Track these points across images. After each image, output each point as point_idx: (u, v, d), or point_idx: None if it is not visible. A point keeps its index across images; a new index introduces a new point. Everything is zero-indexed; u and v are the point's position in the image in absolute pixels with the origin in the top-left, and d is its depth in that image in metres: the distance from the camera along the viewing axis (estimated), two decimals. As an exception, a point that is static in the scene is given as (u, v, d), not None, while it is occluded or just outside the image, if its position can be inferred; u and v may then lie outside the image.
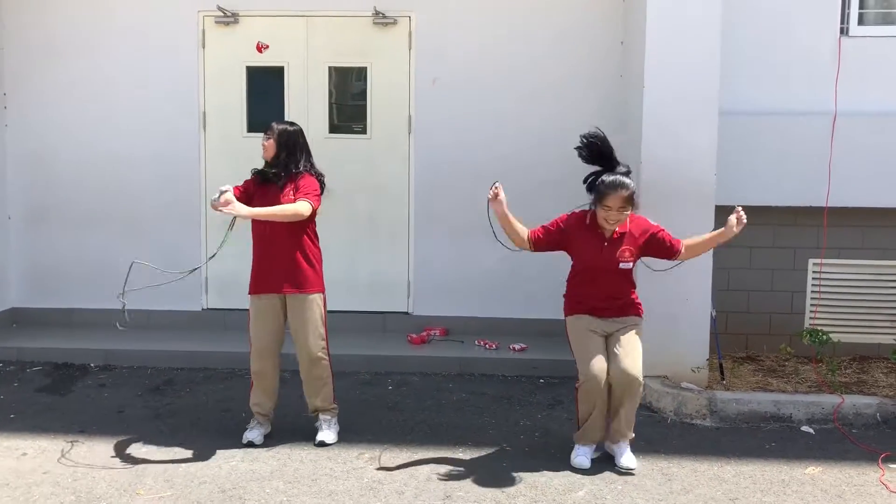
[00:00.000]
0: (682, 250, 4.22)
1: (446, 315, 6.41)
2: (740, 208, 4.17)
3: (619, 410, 4.16)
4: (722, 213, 5.39)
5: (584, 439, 4.21)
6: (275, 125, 4.49)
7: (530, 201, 6.28)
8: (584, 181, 4.22)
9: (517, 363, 5.77)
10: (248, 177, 4.56)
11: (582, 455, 4.17)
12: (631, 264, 4.15)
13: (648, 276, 5.07)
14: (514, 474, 4.05)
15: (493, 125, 6.31)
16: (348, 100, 6.57)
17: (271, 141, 4.44)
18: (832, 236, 5.85)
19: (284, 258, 4.35)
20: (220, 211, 4.14)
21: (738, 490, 3.91)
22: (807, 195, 5.77)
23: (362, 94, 6.43)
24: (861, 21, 5.85)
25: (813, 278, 5.98)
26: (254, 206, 4.31)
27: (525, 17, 6.24)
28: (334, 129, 6.47)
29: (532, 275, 6.21)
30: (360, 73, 6.44)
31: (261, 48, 6.39)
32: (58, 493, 3.79)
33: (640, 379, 4.10)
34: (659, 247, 4.20)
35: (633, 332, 4.18)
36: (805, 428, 4.76)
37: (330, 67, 6.40)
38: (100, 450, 4.31)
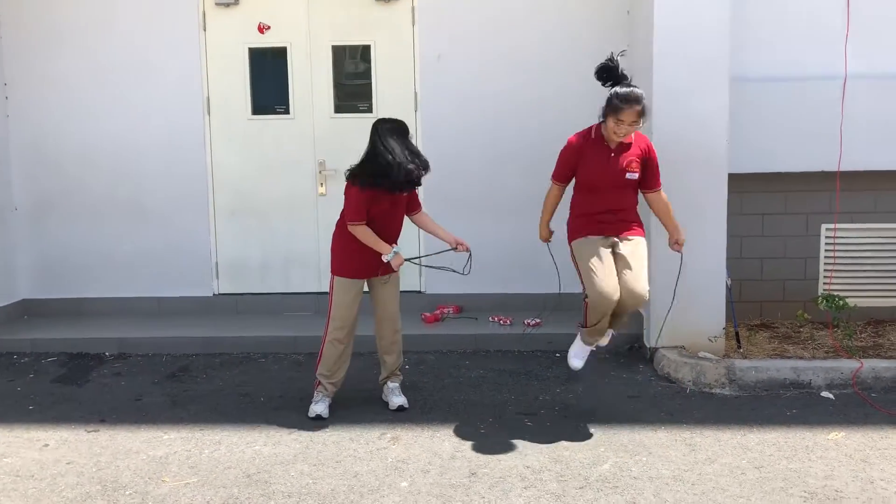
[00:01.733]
0: (658, 194, 4.40)
1: (459, 292, 6.39)
2: (680, 244, 4.47)
3: (621, 315, 4.37)
4: (733, 180, 5.38)
5: (589, 341, 4.48)
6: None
7: (539, 174, 6.24)
8: (597, 75, 4.31)
9: (532, 338, 5.76)
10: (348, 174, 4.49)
11: (578, 358, 4.56)
12: (636, 175, 4.26)
13: (664, 245, 5.05)
14: (538, 449, 4.05)
15: (500, 99, 6.25)
16: (353, 78, 6.50)
17: None
18: (844, 201, 5.82)
19: (398, 235, 4.57)
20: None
21: (762, 458, 3.91)
22: (818, 160, 5.72)
23: (366, 73, 6.36)
24: (870, -20, 5.76)
25: (826, 243, 5.96)
26: (379, 208, 4.36)
27: (530, -10, 6.17)
28: (339, 108, 6.40)
29: (543, 248, 6.16)
30: (364, 52, 6.36)
31: (262, 29, 6.31)
32: (83, 483, 3.79)
33: (646, 295, 4.26)
34: (648, 171, 4.33)
35: (641, 248, 4.30)
36: (825, 393, 4.75)
37: (333, 46, 6.33)
38: (121, 438, 4.30)
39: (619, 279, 4.22)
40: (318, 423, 4.44)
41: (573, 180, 4.43)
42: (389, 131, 4.39)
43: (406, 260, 4.55)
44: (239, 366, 5.53)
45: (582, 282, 4.34)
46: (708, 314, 5.23)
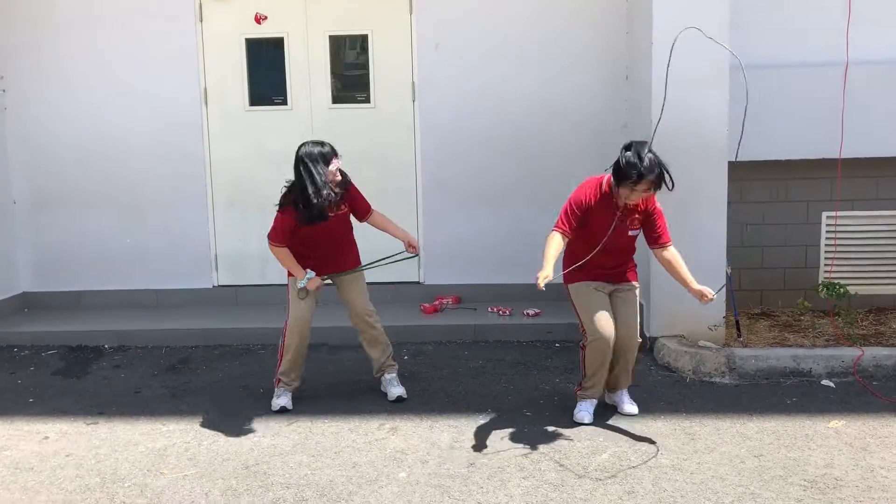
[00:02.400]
0: (667, 250, 4.16)
1: (458, 283, 6.38)
2: (712, 296, 4.08)
3: (617, 366, 4.29)
4: (733, 169, 5.34)
5: (589, 395, 4.30)
6: (331, 145, 4.35)
7: (537, 164, 6.25)
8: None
9: (532, 328, 5.75)
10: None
11: (585, 411, 4.27)
12: (639, 231, 4.19)
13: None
14: (537, 439, 4.04)
15: (498, 88, 6.22)
16: (350, 69, 6.47)
17: (339, 162, 4.36)
18: (846, 188, 5.78)
19: (343, 248, 4.56)
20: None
21: (762, 446, 3.90)
22: (819, 147, 5.68)
23: (364, 63, 6.33)
24: (871, -34, 5.71)
25: (827, 231, 5.93)
26: (308, 233, 4.34)
27: (527, -23, 6.13)
28: (337, 99, 6.38)
29: (542, 239, 6.14)
30: (362, 41, 6.33)
31: (259, 19, 6.28)
32: (82, 475, 3.79)
33: (639, 341, 4.27)
34: (652, 227, 4.16)
35: (633, 295, 4.27)
36: (825, 382, 4.74)
37: (330, 36, 6.30)
38: (120, 430, 4.31)
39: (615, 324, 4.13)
40: (317, 414, 4.43)
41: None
42: (309, 159, 4.25)
43: (347, 273, 4.53)
44: (239, 358, 5.52)
45: (580, 323, 4.22)
46: (708, 303, 5.19)
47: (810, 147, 5.69)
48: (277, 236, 4.36)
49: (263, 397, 4.67)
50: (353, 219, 4.62)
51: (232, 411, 4.53)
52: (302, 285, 4.39)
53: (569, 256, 4.24)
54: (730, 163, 5.25)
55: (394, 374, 4.69)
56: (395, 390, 4.61)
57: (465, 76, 6.22)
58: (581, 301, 4.22)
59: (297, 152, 4.31)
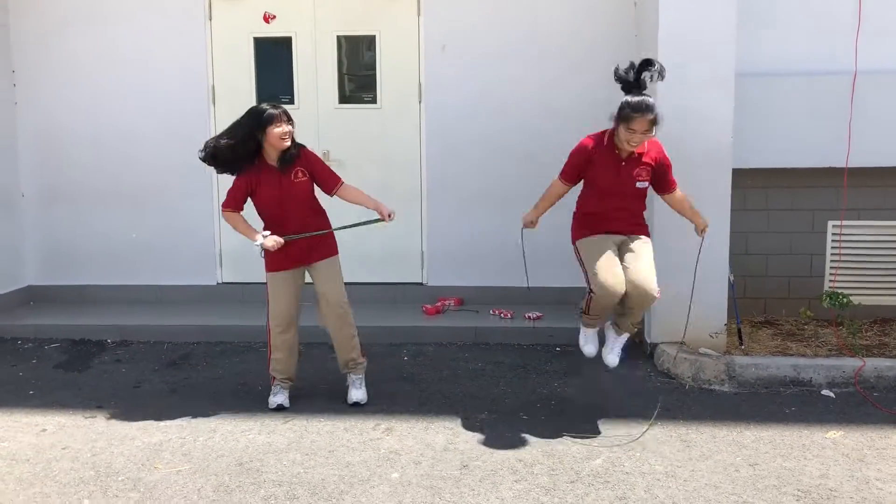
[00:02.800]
0: (674, 194, 4.37)
1: (461, 285, 6.39)
2: (705, 232, 4.45)
3: (629, 316, 4.32)
4: (738, 175, 5.32)
5: (590, 324, 4.44)
6: (283, 109, 4.32)
7: (544, 166, 6.21)
8: (616, 77, 4.24)
9: (533, 332, 5.74)
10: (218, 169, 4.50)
11: (590, 343, 4.49)
12: (646, 184, 4.21)
13: (665, 240, 5.01)
14: (532, 443, 4.03)
15: (504, 91, 6.21)
16: (357, 69, 6.49)
17: (291, 127, 4.34)
18: (851, 197, 5.74)
19: (310, 224, 4.43)
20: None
21: (757, 455, 3.87)
22: (826, 156, 5.64)
23: (371, 63, 6.34)
24: (882, -26, 5.68)
25: (832, 240, 5.89)
26: (264, 195, 4.33)
27: (535, -20, 6.12)
28: (344, 99, 6.40)
29: (546, 243, 6.13)
30: (369, 42, 6.35)
31: (268, 18, 6.31)
32: (77, 468, 3.81)
33: (655, 292, 4.16)
34: (662, 178, 4.30)
35: (648, 247, 4.24)
36: (825, 392, 4.70)
37: (338, 36, 6.32)
38: (118, 425, 4.33)
39: (626, 274, 4.14)
40: (314, 413, 4.44)
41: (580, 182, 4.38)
42: (245, 116, 4.37)
43: (323, 232, 4.43)
44: (240, 355, 5.54)
45: (586, 278, 4.26)
46: (709, 310, 5.17)
47: (816, 155, 5.65)
48: (226, 202, 4.36)
49: (261, 395, 4.68)
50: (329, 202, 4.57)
51: (230, 408, 4.55)
52: (258, 244, 4.23)
53: (578, 215, 4.35)
54: (735, 170, 5.24)
55: (360, 375, 4.60)
56: (355, 394, 4.53)
57: (472, 77, 6.22)
58: (586, 253, 4.24)
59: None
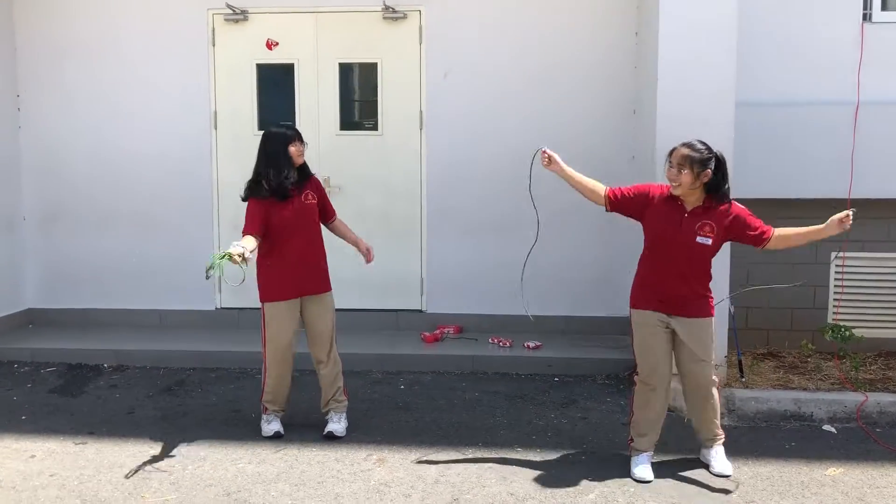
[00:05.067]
0: (773, 237, 3.93)
1: (460, 312, 6.34)
2: (850, 214, 3.86)
3: (694, 416, 4.08)
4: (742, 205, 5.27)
5: (640, 447, 4.03)
6: (296, 129, 4.46)
7: (549, 194, 6.18)
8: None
9: (531, 361, 5.68)
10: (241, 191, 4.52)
11: (642, 465, 3.97)
12: (710, 241, 3.85)
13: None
14: (525, 476, 3.96)
15: (506, 118, 6.21)
16: (359, 96, 6.51)
17: (303, 147, 4.43)
18: (855, 229, 5.56)
19: (312, 264, 4.44)
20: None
21: (754, 492, 3.79)
22: (829, 187, 5.59)
23: (373, 90, 6.36)
24: (885, 6, 5.67)
25: (836, 272, 5.82)
26: (278, 213, 4.33)
27: (538, 9, 6.13)
28: (345, 125, 6.41)
29: (547, 272, 6.11)
30: (371, 69, 6.36)
31: (270, 45, 6.34)
32: (63, 496, 3.77)
33: (713, 381, 3.96)
34: (743, 229, 3.90)
35: (702, 331, 3.92)
36: (827, 427, 4.62)
37: (340, 63, 6.34)
38: (108, 452, 4.29)
39: (678, 366, 3.98)
40: (305, 442, 4.39)
41: (618, 212, 4.09)
42: (267, 139, 4.43)
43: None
44: (235, 381, 5.51)
45: (634, 354, 4.07)
46: (710, 341, 5.09)
47: (820, 186, 5.61)
48: (248, 227, 4.26)
49: (254, 422, 4.63)
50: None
51: (221, 435, 4.50)
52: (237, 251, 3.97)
53: (638, 272, 4.05)
54: (738, 200, 5.18)
55: (341, 413, 4.53)
56: (332, 426, 4.45)
57: (474, 104, 6.22)
58: (637, 337, 3.99)
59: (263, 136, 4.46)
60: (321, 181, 4.68)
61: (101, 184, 6.51)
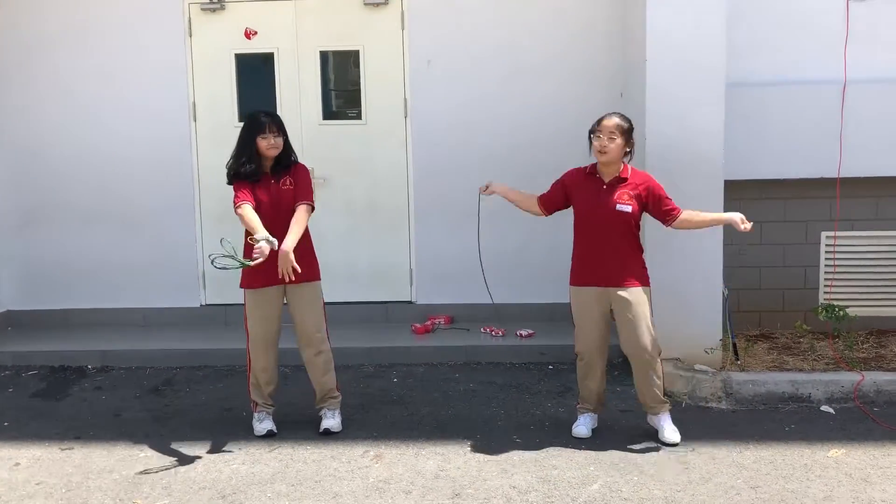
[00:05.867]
0: (681, 217, 4.15)
1: (451, 302, 6.25)
2: (748, 225, 4.10)
3: (639, 387, 4.22)
4: (730, 187, 5.22)
5: (581, 407, 4.34)
6: (270, 119, 4.26)
7: (533, 179, 6.09)
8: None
9: (525, 350, 5.62)
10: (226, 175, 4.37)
11: (582, 424, 4.27)
12: (629, 208, 4.06)
13: (657, 255, 4.91)
14: (526, 468, 3.90)
15: (492, 104, 6.11)
16: (341, 85, 6.38)
17: (281, 139, 4.27)
18: (845, 208, 5.67)
19: (297, 251, 4.20)
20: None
21: (759, 477, 3.75)
22: (818, 166, 5.57)
23: (355, 79, 6.23)
24: (869, -17, 5.62)
25: (826, 252, 5.81)
26: (258, 199, 4.22)
27: (522, -7, 6.04)
28: (328, 115, 6.28)
29: (537, 258, 6.05)
30: (353, 57, 6.24)
31: (249, 35, 6.19)
32: (52, 504, 3.66)
33: (650, 349, 4.08)
34: (657, 203, 4.13)
35: (638, 303, 4.07)
36: (825, 408, 4.60)
37: (321, 52, 6.20)
38: (96, 457, 4.17)
39: (620, 338, 4.15)
40: (300, 440, 4.29)
41: (557, 211, 4.35)
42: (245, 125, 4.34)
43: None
44: (224, 379, 5.39)
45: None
46: (704, 325, 5.07)
47: (809, 166, 5.59)
48: (239, 197, 4.14)
49: (246, 421, 4.53)
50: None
51: (213, 435, 4.39)
52: (260, 240, 3.95)
53: (572, 257, 4.25)
54: (726, 181, 5.15)
55: (335, 409, 4.43)
56: (327, 422, 4.35)
57: (458, 92, 6.11)
58: (574, 311, 4.25)
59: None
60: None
61: (79, 180, 6.33)
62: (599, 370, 4.25)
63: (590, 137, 4.13)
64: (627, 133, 4.08)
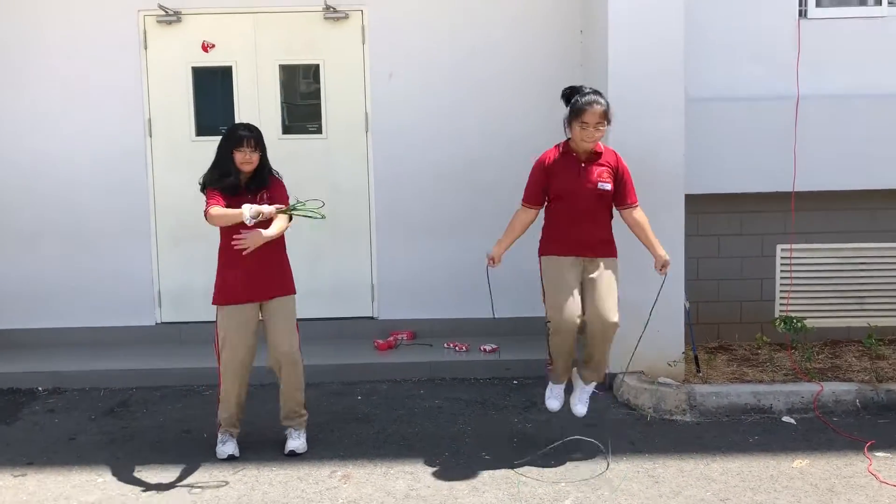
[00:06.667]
0: (635, 210, 4.20)
1: (413, 318, 6.21)
2: (667, 266, 4.24)
3: (592, 355, 4.22)
4: (689, 201, 5.29)
5: (555, 379, 4.33)
6: (248, 132, 4.18)
7: (493, 193, 6.12)
8: (562, 95, 4.21)
9: (489, 365, 5.60)
10: (199, 185, 4.25)
11: (554, 398, 4.35)
12: (609, 186, 4.09)
13: (621, 268, 4.94)
14: (496, 485, 3.87)
15: (453, 119, 6.11)
16: (301, 99, 6.31)
17: (257, 155, 4.18)
18: (799, 221, 5.80)
19: (272, 263, 4.21)
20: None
21: (727, 490, 3.79)
22: (773, 181, 5.70)
23: (316, 93, 6.17)
24: (819, 3, 5.79)
25: (782, 264, 5.93)
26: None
27: (481, 7, 6.05)
28: (288, 129, 6.20)
29: (499, 271, 6.01)
30: (313, 71, 6.18)
31: (206, 48, 6.09)
32: (6, 535, 3.50)
33: (616, 322, 4.12)
34: (621, 186, 4.16)
35: (611, 273, 4.14)
36: (786, 418, 4.67)
37: (280, 65, 6.13)
38: (51, 483, 4.01)
39: (586, 305, 4.09)
40: (265, 461, 4.20)
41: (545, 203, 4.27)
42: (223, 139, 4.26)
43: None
44: (181, 399, 5.25)
45: (545, 301, 4.18)
46: (667, 338, 5.11)
47: (764, 180, 5.71)
48: (210, 203, 4.07)
49: (207, 442, 4.41)
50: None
51: (174, 458, 4.27)
52: (248, 218, 3.92)
53: (545, 230, 4.24)
54: (686, 195, 5.22)
55: (301, 429, 4.34)
56: (292, 443, 4.27)
57: (420, 106, 6.09)
58: (548, 280, 4.15)
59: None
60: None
61: (26, 195, 6.11)
62: (573, 338, 4.13)
63: (569, 120, 4.07)
64: (610, 114, 4.08)
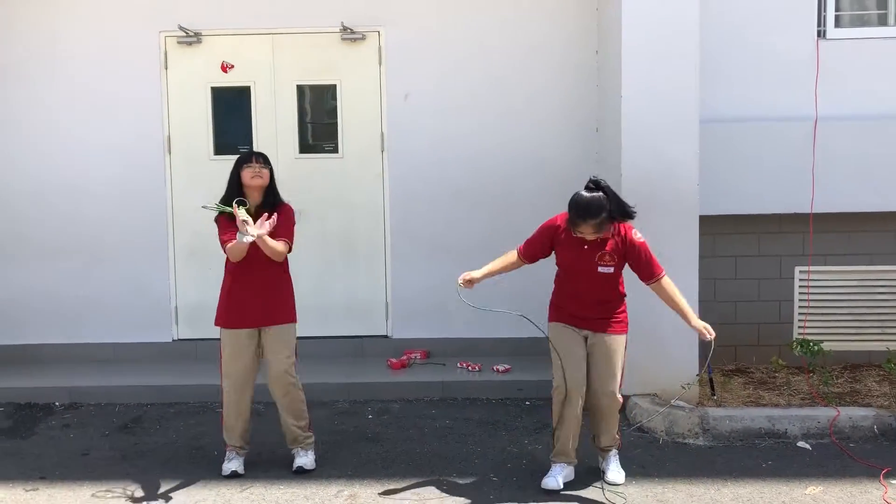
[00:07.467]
0: (661, 279, 4.01)
1: (427, 337, 6.21)
2: (711, 335, 4.04)
3: (599, 423, 4.14)
4: (704, 222, 5.26)
5: (559, 457, 4.11)
6: (255, 153, 4.28)
7: (507, 215, 6.13)
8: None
9: (501, 385, 5.57)
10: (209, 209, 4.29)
11: (552, 476, 4.06)
12: (611, 269, 3.97)
13: (634, 290, 4.90)
14: (503, 507, 3.85)
15: (468, 140, 6.13)
16: (318, 118, 6.37)
17: (266, 171, 4.23)
18: (818, 243, 5.73)
19: (272, 290, 4.24)
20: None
21: (737, 516, 3.73)
22: (791, 202, 5.64)
23: (332, 113, 6.23)
24: (838, 23, 5.75)
25: (800, 286, 5.85)
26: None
27: (498, 30, 6.08)
28: (305, 148, 6.26)
29: (513, 291, 6.01)
30: (330, 91, 6.24)
31: (226, 68, 6.18)
32: (14, 549, 3.54)
33: (618, 397, 4.04)
34: (636, 261, 4.00)
35: (611, 349, 4.01)
36: (801, 443, 4.59)
37: (298, 86, 6.20)
38: (61, 498, 4.05)
39: (588, 377, 4.02)
40: (272, 479, 4.21)
41: (542, 261, 4.18)
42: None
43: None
44: (195, 416, 5.28)
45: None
46: (680, 360, 5.06)
47: (782, 201, 5.65)
48: (224, 240, 4.12)
49: (217, 460, 4.43)
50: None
51: (184, 475, 4.29)
52: (246, 237, 3.95)
53: (553, 292, 4.18)
54: (701, 216, 5.18)
55: (309, 448, 4.34)
56: (300, 460, 4.28)
57: (435, 127, 6.13)
58: (554, 344, 4.06)
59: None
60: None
61: (47, 212, 6.23)
62: (577, 405, 4.04)
63: (569, 215, 3.93)
64: (606, 219, 3.85)
